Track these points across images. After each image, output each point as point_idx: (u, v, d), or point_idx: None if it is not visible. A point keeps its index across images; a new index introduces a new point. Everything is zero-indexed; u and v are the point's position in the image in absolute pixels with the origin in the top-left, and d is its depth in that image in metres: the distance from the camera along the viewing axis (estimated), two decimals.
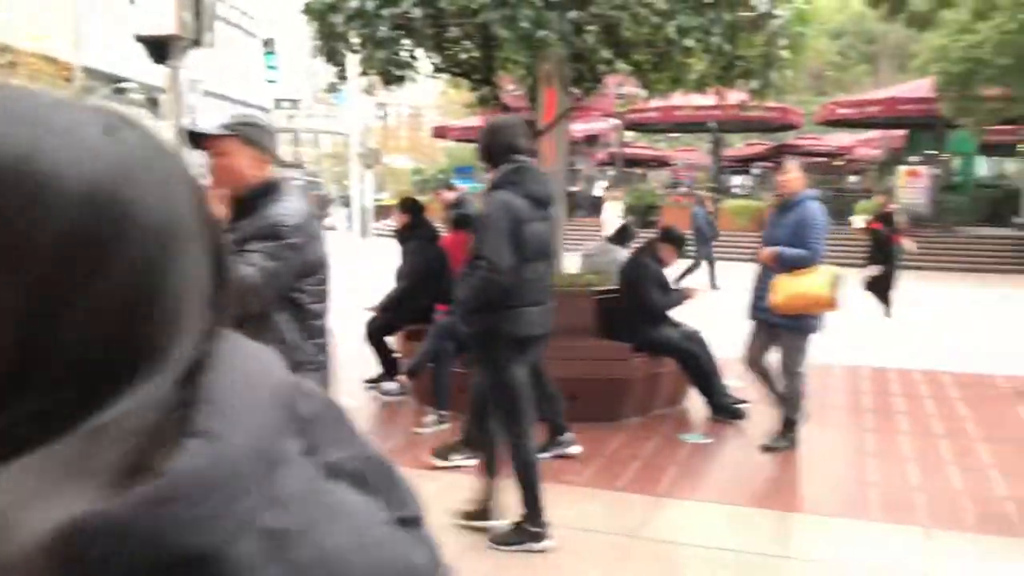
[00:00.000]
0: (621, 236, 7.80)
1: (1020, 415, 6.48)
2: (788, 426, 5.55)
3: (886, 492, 4.80)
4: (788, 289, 5.19)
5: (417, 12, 5.71)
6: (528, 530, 3.94)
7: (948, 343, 9.68)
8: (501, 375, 3.87)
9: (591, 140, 27.18)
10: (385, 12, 5.79)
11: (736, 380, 6.98)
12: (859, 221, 13.49)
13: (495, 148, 3.88)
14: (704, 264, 15.07)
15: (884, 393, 7.16)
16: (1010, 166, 27.93)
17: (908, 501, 4.65)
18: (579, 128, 24.78)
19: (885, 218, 11.18)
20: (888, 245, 10.87)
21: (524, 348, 3.89)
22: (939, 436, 5.91)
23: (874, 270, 10.72)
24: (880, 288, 10.72)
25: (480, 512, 4.14)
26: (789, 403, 5.50)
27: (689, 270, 14.85)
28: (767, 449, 5.47)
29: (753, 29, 6.23)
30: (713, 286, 14.74)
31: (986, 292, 14.67)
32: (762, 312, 5.45)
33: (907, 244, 11.26)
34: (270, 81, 34.06)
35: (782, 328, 5.37)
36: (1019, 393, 7.14)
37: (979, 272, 18.09)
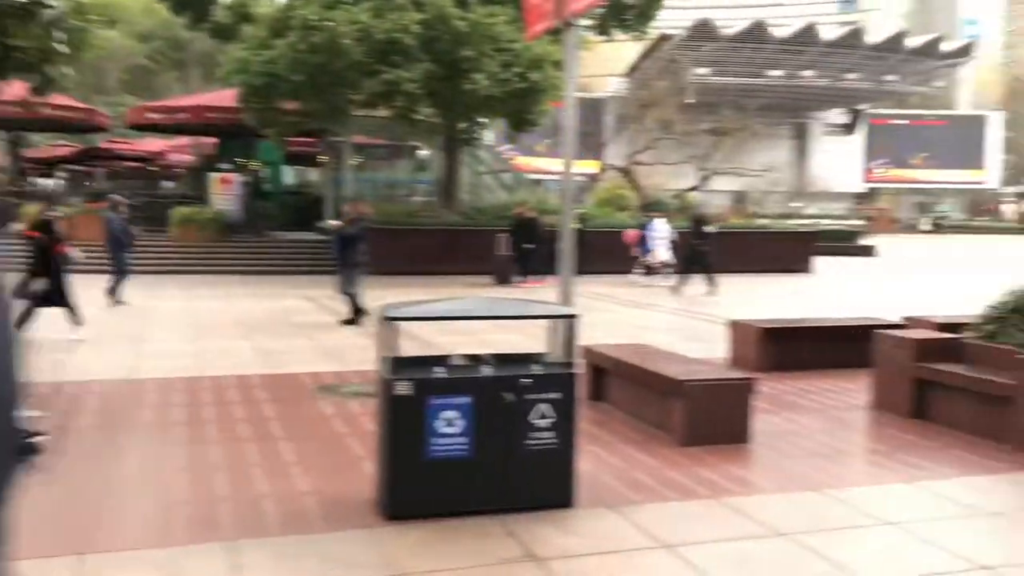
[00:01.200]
0: None
1: (320, 410, 6.97)
2: None
3: (193, 510, 4.69)
4: None
5: None
6: None
7: (255, 345, 10.12)
8: None
9: None
10: None
11: (34, 410, 6.24)
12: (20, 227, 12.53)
13: None
14: (117, 274, 13.73)
15: (195, 404, 7.10)
16: (313, 175, 30.70)
17: (214, 515, 4.60)
18: None
19: (44, 226, 10.25)
20: (50, 255, 10.13)
21: None
22: (246, 440, 6.03)
23: (42, 283, 9.92)
24: (55, 301, 10.11)
25: None
26: None
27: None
28: None
29: (25, 18, 5.58)
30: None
31: (296, 292, 15.81)
32: None
33: (71, 252, 10.54)
34: None
35: None
36: (320, 388, 7.72)
37: (288, 274, 19.42)
